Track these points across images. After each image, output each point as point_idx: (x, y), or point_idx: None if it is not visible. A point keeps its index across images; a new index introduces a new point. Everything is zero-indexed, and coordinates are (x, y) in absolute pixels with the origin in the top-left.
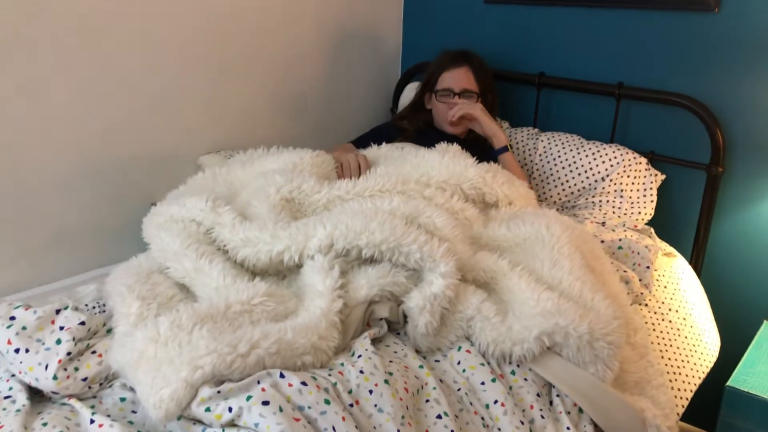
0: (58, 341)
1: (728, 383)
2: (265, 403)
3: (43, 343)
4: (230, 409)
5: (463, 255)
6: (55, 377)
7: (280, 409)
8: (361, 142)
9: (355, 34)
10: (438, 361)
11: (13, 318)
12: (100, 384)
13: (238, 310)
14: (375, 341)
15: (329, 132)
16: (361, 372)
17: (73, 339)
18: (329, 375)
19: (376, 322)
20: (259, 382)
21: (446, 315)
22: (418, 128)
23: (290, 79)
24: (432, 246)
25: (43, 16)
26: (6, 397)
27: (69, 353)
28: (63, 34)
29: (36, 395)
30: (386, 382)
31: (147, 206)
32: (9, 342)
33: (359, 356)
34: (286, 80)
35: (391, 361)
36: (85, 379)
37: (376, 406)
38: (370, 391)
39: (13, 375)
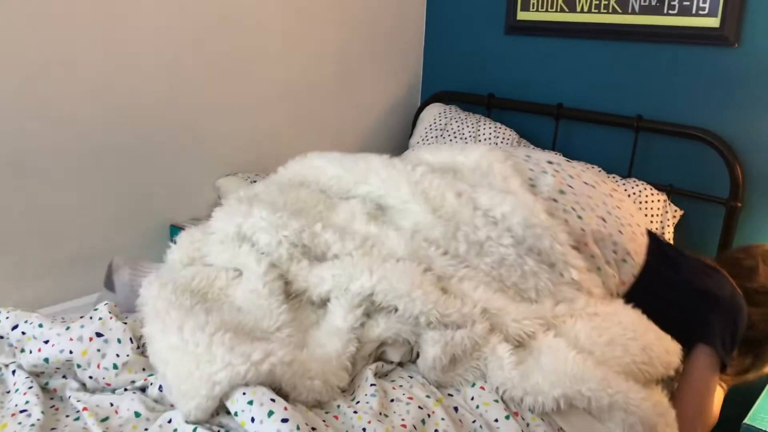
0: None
1: (745, 421)
2: (284, 420)
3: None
4: (252, 420)
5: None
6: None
7: (298, 428)
8: None
9: (377, 62)
10: (451, 395)
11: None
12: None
13: (258, 336)
14: (379, 375)
15: None
16: (355, 413)
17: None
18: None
19: (386, 362)
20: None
21: (461, 356)
22: None
23: (309, 103)
24: (470, 310)
25: (66, 47)
26: (22, 411)
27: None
28: (88, 56)
29: (51, 408)
30: (379, 421)
31: (166, 227)
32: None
33: (357, 402)
34: (306, 104)
35: (393, 388)
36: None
37: None
38: (363, 429)
39: (31, 387)
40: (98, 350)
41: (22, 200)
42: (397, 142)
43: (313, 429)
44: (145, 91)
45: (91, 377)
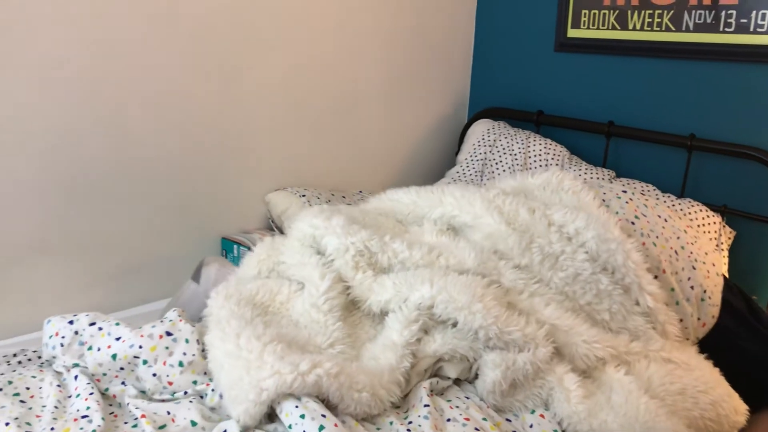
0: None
1: None
2: None
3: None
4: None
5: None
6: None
7: None
8: None
9: (424, 79)
10: (509, 420)
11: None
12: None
13: (310, 350)
14: (435, 392)
15: (392, 172)
16: (408, 431)
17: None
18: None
19: (443, 378)
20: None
21: (522, 382)
22: None
23: (357, 119)
24: (533, 330)
25: (130, 68)
26: (83, 416)
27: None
28: (145, 74)
29: (110, 414)
30: None
31: (217, 239)
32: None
33: (410, 422)
34: (354, 120)
35: (450, 407)
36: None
37: None
38: None
39: (91, 393)
40: (166, 347)
41: (82, 211)
42: (444, 158)
43: None
44: (199, 107)
45: (154, 374)
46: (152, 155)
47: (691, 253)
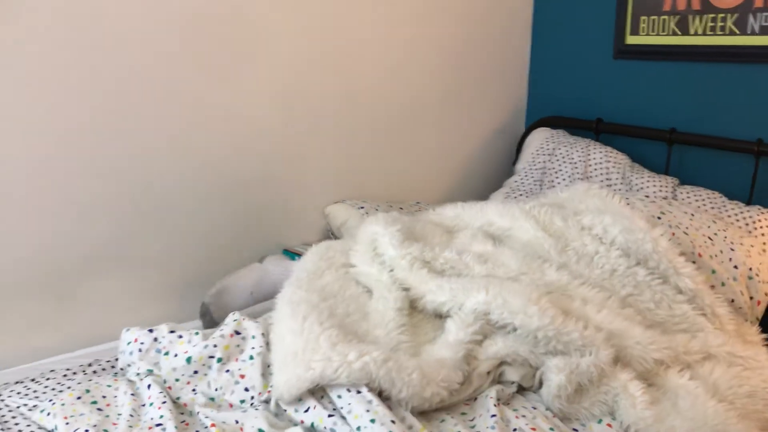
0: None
1: None
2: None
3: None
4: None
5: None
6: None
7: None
8: None
9: (481, 87)
10: (575, 430)
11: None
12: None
13: (368, 341)
14: (502, 401)
15: (450, 183)
16: None
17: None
18: None
19: (506, 384)
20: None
21: (587, 386)
22: None
23: (415, 130)
24: (591, 333)
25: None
26: (158, 425)
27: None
28: (213, 91)
29: (181, 423)
30: None
31: (278, 251)
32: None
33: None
34: (411, 130)
35: (516, 417)
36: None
37: None
38: None
39: (164, 402)
40: (237, 345)
41: (150, 225)
42: (500, 167)
43: None
44: (262, 120)
45: (228, 371)
46: (217, 170)
47: (726, 237)
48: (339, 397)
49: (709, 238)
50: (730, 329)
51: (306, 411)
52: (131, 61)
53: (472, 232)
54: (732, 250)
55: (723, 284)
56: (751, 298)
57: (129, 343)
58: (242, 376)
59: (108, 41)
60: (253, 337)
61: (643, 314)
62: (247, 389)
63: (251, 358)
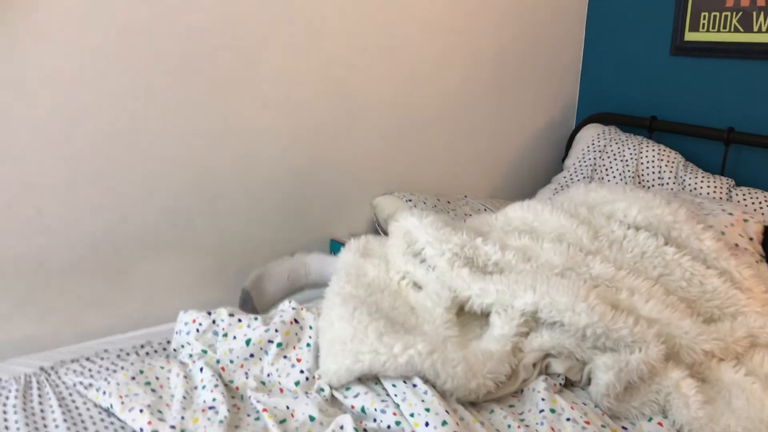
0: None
1: None
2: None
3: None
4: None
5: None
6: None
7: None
8: None
9: (532, 82)
10: (625, 428)
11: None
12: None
13: (422, 330)
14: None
15: (498, 177)
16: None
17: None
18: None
19: (553, 376)
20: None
21: (637, 384)
22: None
23: (464, 123)
24: (642, 329)
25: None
26: (210, 408)
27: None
28: (272, 87)
29: (233, 407)
30: None
31: (326, 241)
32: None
33: (527, 425)
34: (460, 124)
35: (571, 407)
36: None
37: None
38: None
39: (216, 385)
40: (296, 334)
41: (204, 211)
42: (551, 163)
43: None
44: (313, 111)
45: (285, 356)
46: (268, 158)
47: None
48: (393, 386)
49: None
50: (757, 292)
51: (356, 396)
52: (194, 48)
53: (501, 229)
54: (745, 221)
55: (737, 245)
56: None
57: (186, 324)
58: (299, 360)
59: (179, 27)
60: (310, 327)
61: (676, 293)
62: (302, 371)
63: (308, 345)
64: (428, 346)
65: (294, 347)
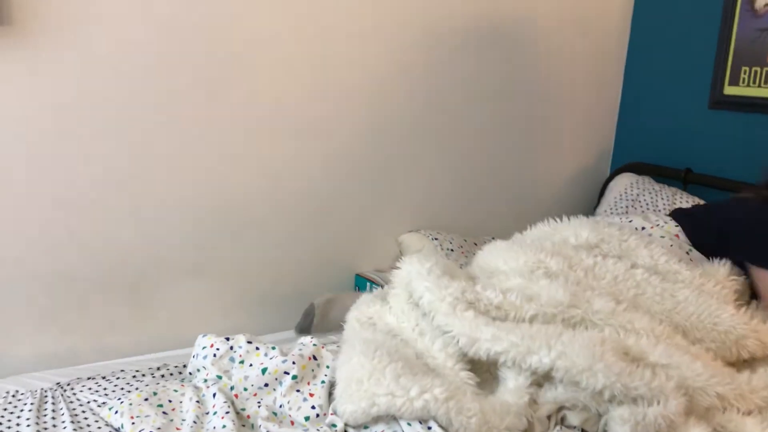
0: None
1: None
2: None
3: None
4: None
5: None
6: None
7: None
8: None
9: (567, 128)
10: None
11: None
12: None
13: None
14: None
15: (528, 222)
16: None
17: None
18: None
19: (570, 428)
20: None
21: None
22: None
23: (495, 165)
24: (660, 382)
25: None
26: None
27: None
28: (297, 118)
29: None
30: None
31: (351, 276)
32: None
33: None
34: (491, 166)
35: None
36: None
37: None
38: None
39: (228, 412)
40: (312, 370)
41: (230, 240)
42: (582, 210)
43: None
44: (344, 145)
45: (298, 390)
46: (295, 189)
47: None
48: (408, 425)
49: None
50: (710, 287)
51: None
52: (223, 73)
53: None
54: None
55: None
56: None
57: (204, 348)
58: (311, 395)
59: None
60: (327, 366)
61: (652, 308)
62: (314, 407)
63: (323, 382)
64: (445, 392)
65: (309, 383)
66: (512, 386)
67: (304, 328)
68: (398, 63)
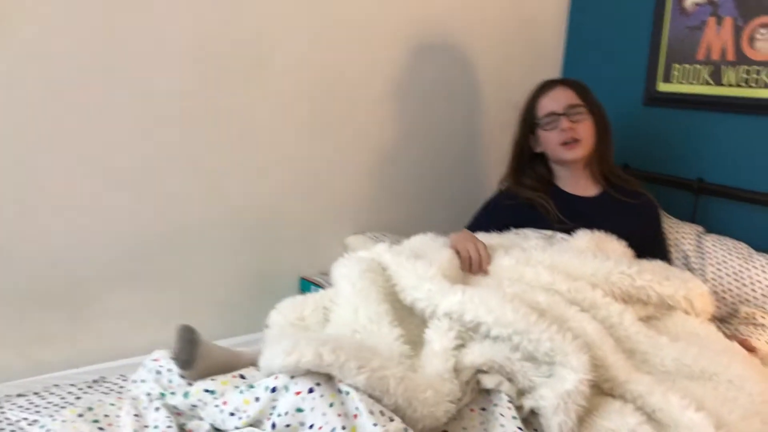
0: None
1: None
2: None
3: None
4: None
5: (612, 365)
6: None
7: None
8: (479, 225)
9: (504, 126)
10: None
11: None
12: None
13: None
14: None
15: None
16: None
17: None
18: None
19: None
20: None
21: (585, 417)
22: (534, 188)
23: (436, 170)
24: (565, 338)
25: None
26: None
27: None
28: (225, 127)
29: None
30: None
31: (296, 279)
32: None
33: None
34: (433, 169)
35: None
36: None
37: None
38: None
39: (170, 426)
40: (236, 386)
41: (170, 247)
42: None
43: None
44: (285, 148)
45: (216, 405)
46: (237, 193)
47: None
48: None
49: None
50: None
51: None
52: (164, 86)
53: None
54: None
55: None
56: None
57: (154, 360)
58: (225, 403)
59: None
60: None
61: (614, 292)
62: (232, 414)
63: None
64: (401, 372)
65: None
66: (438, 348)
67: (188, 360)
68: (336, 67)
